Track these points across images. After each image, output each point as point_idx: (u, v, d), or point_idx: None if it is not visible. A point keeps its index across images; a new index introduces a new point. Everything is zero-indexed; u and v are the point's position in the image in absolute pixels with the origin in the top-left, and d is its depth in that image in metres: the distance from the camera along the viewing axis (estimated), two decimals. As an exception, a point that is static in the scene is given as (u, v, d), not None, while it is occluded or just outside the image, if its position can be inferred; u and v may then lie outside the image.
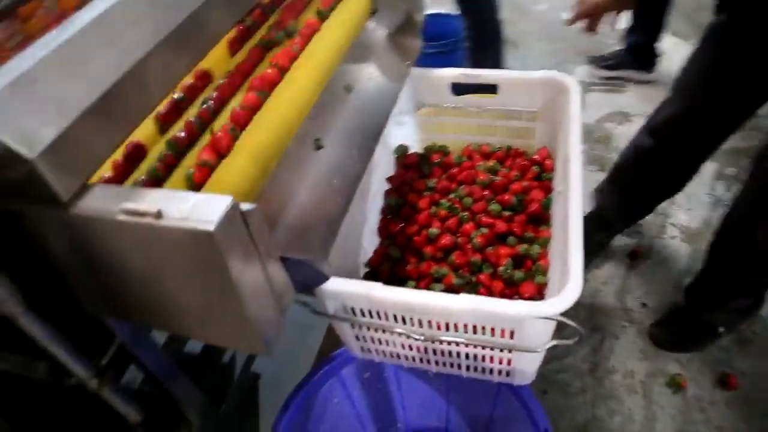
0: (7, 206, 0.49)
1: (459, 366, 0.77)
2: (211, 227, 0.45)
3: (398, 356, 0.80)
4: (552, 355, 1.26)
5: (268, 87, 0.70)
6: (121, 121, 0.52)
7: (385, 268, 0.89)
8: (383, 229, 0.98)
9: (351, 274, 0.88)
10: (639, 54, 1.92)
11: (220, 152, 0.62)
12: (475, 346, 0.69)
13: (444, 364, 0.78)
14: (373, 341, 0.78)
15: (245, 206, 0.50)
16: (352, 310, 0.68)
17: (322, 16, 0.81)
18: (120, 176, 0.60)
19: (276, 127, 0.66)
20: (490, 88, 0.96)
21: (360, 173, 0.72)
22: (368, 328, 0.72)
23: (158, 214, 0.46)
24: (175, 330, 0.60)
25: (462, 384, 0.79)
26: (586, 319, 1.32)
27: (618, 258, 1.43)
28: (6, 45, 0.67)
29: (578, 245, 0.63)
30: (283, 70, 0.73)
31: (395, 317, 0.68)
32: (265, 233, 0.52)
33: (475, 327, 0.65)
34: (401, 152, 1.05)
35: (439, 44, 1.79)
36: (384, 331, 0.70)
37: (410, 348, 0.76)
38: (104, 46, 0.52)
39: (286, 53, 0.74)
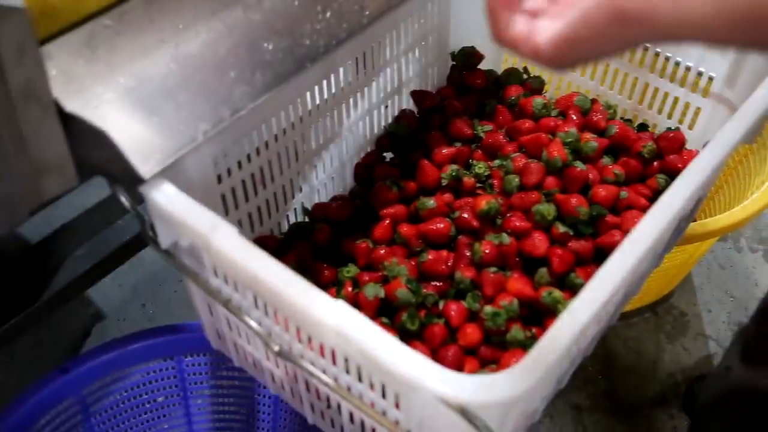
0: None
1: (342, 430, 0.77)
2: None
3: (262, 370, 0.81)
4: None
5: None
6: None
7: (325, 230, 0.90)
8: (364, 170, 0.99)
9: (268, 218, 0.91)
10: None
11: None
12: (356, 403, 0.68)
13: (322, 415, 0.79)
14: (229, 327, 0.80)
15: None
16: (197, 257, 0.70)
17: None
18: None
19: None
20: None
21: (316, 52, 0.75)
22: (216, 299, 0.73)
23: None
24: None
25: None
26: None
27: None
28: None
29: (576, 318, 0.60)
30: None
31: (254, 300, 0.69)
32: (34, 55, 0.55)
33: (360, 371, 0.64)
34: (463, 59, 1.04)
35: None
36: (236, 315, 0.72)
37: (276, 363, 0.77)
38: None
39: None
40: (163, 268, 1.53)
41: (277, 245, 0.90)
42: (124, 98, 0.64)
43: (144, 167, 0.63)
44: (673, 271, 1.44)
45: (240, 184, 0.85)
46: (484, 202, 0.88)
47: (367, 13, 0.80)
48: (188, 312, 1.22)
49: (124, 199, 0.68)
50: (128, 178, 0.64)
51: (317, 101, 0.91)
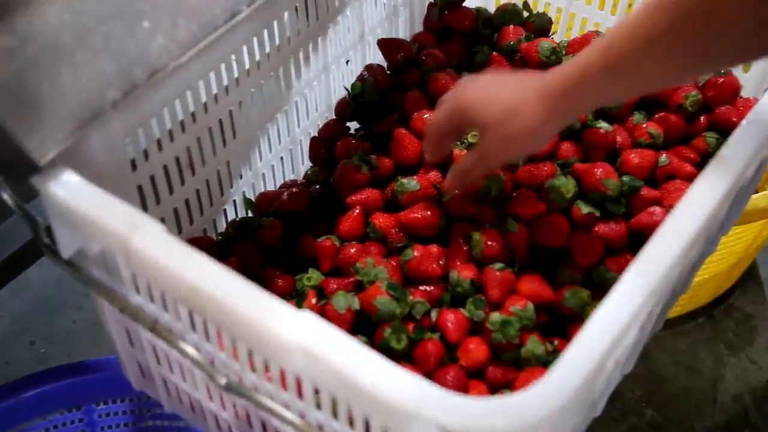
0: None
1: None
2: None
3: (203, 413, 0.82)
4: None
5: None
6: None
7: (275, 226, 0.91)
8: (322, 146, 1.01)
9: (200, 215, 0.92)
10: None
11: None
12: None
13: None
14: (156, 358, 0.80)
15: None
16: (111, 267, 0.70)
17: None
18: None
19: None
20: None
21: None
22: (138, 321, 0.74)
23: None
24: None
25: None
26: None
27: None
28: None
29: (610, 323, 0.61)
30: None
31: (191, 318, 0.69)
32: None
33: (335, 403, 0.65)
34: (444, -2, 1.05)
35: None
36: (166, 341, 0.72)
37: (222, 403, 0.78)
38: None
39: None
40: (56, 292, 1.50)
41: (213, 248, 0.91)
42: (3, 61, 0.63)
43: (37, 150, 0.63)
44: (732, 260, 1.45)
45: (161, 171, 0.86)
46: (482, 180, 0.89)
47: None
48: (95, 348, 1.19)
49: (7, 196, 0.68)
50: (14, 166, 0.64)
51: (257, 57, 0.91)
